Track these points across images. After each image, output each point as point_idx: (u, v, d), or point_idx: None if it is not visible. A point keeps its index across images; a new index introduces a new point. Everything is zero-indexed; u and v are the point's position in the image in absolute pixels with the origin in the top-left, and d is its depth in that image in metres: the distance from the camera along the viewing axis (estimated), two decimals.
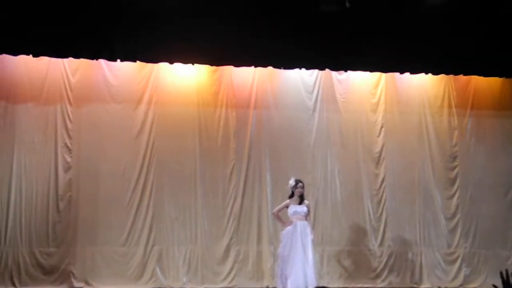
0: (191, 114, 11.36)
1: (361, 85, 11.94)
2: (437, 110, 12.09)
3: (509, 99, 12.23)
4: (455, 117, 12.11)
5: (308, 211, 9.86)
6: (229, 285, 11.05)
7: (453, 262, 11.76)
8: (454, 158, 12.02)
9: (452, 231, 11.84)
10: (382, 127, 11.88)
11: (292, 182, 9.93)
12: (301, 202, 9.85)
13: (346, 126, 11.82)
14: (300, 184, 9.88)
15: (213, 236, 11.21)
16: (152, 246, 11.00)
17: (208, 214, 11.22)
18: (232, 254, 11.21)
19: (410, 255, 11.65)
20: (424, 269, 11.63)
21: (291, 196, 9.88)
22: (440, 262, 11.73)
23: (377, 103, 11.94)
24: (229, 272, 11.15)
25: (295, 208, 9.79)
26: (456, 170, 11.99)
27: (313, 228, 10.27)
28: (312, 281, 9.55)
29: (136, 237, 10.96)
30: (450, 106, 12.11)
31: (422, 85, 12.07)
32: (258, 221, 11.35)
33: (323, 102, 11.77)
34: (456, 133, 12.08)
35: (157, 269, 10.96)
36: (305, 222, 9.74)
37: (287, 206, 9.89)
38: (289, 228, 9.71)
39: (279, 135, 11.57)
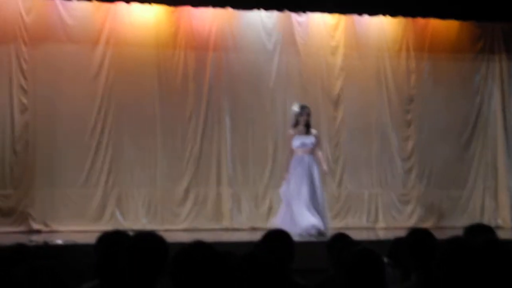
0: (149, 55, 11.19)
1: (320, 28, 11.89)
2: (395, 54, 12.12)
3: (465, 42, 12.32)
4: (413, 60, 12.17)
5: (317, 141, 8.87)
6: (189, 226, 11.08)
7: (408, 202, 11.99)
8: (411, 101, 12.13)
9: (408, 172, 12.02)
10: (341, 70, 11.90)
11: (296, 108, 8.73)
12: (307, 132, 8.80)
13: (306, 68, 11.79)
14: (306, 110, 8.72)
15: (172, 178, 11.20)
16: (112, 187, 10.98)
17: (167, 157, 11.19)
18: (191, 196, 11.22)
19: (366, 196, 11.85)
20: (380, 209, 11.84)
21: (296, 125, 8.82)
22: (395, 202, 11.96)
23: (337, 46, 11.92)
24: (189, 214, 11.19)
25: (301, 139, 8.69)
26: (412, 112, 12.12)
27: (324, 161, 9.68)
28: (326, 221, 8.86)
29: (95, 178, 10.89)
30: (408, 49, 12.15)
31: (381, 29, 12.07)
32: (218, 163, 11.36)
33: (283, 44, 11.68)
34: (413, 76, 12.17)
35: (117, 211, 10.96)
36: (312, 156, 8.71)
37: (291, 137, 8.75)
38: (292, 161, 8.56)
39: (238, 77, 11.49)
